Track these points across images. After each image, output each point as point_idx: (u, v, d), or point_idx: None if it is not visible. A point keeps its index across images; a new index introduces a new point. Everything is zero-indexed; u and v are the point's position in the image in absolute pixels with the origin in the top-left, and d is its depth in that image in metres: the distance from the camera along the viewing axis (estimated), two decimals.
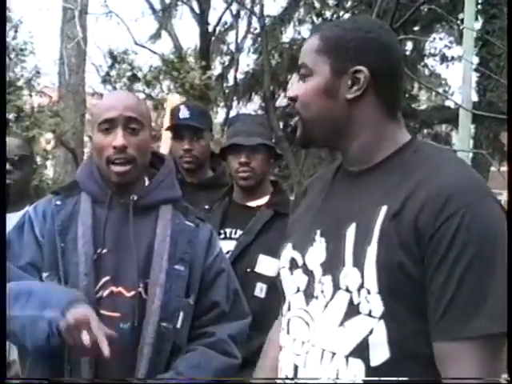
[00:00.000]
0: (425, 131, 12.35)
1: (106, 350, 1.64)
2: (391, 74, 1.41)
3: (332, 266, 1.35)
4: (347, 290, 1.31)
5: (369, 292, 1.28)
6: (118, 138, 1.92)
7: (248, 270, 2.55)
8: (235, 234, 2.71)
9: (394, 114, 1.43)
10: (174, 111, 3.08)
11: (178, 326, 1.94)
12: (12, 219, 2.56)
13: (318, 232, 1.42)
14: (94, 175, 2.03)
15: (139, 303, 1.90)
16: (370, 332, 1.28)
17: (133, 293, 1.91)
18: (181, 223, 2.02)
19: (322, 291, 1.36)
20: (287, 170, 10.16)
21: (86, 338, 1.65)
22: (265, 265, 2.58)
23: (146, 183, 2.07)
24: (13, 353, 2.39)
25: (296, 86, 1.46)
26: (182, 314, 1.95)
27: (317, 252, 1.40)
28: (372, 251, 1.28)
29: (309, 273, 1.41)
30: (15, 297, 1.78)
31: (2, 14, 1.87)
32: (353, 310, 1.30)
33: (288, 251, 1.49)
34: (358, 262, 1.30)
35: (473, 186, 1.29)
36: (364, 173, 1.42)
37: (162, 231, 1.97)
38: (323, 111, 1.41)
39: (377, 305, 1.27)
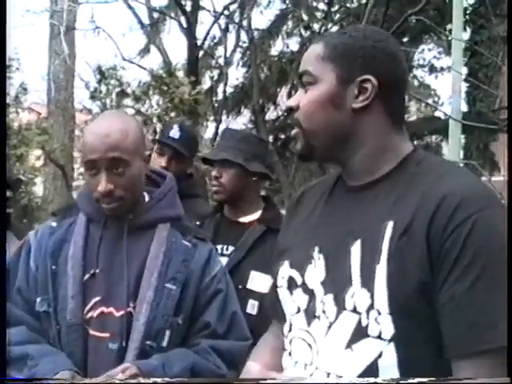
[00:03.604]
0: (415, 142, 12.37)
1: None
2: (398, 85, 1.37)
3: (334, 284, 1.29)
4: (355, 311, 1.25)
5: (379, 313, 1.22)
6: (102, 182, 1.86)
7: (240, 286, 2.49)
8: (227, 250, 2.67)
9: (400, 126, 1.38)
10: (166, 127, 3.05)
11: (164, 344, 1.90)
12: None
13: (317, 249, 1.36)
14: (90, 196, 1.97)
15: (128, 322, 1.86)
16: (380, 355, 1.22)
17: (122, 312, 1.87)
18: (177, 242, 1.98)
19: (324, 311, 1.30)
20: (278, 184, 10.12)
21: None
22: (257, 281, 2.55)
23: (147, 199, 2.03)
24: None
25: (297, 95, 1.39)
26: (168, 332, 1.90)
27: (316, 270, 1.34)
28: (382, 270, 1.22)
29: (309, 292, 1.35)
30: (14, 359, 1.85)
31: (1, 15, 1.82)
32: (361, 332, 1.24)
33: (285, 270, 1.42)
34: (367, 283, 1.24)
35: (481, 192, 1.24)
36: (366, 187, 1.36)
37: (155, 249, 1.94)
38: (327, 122, 1.34)
39: (387, 326, 1.21)
